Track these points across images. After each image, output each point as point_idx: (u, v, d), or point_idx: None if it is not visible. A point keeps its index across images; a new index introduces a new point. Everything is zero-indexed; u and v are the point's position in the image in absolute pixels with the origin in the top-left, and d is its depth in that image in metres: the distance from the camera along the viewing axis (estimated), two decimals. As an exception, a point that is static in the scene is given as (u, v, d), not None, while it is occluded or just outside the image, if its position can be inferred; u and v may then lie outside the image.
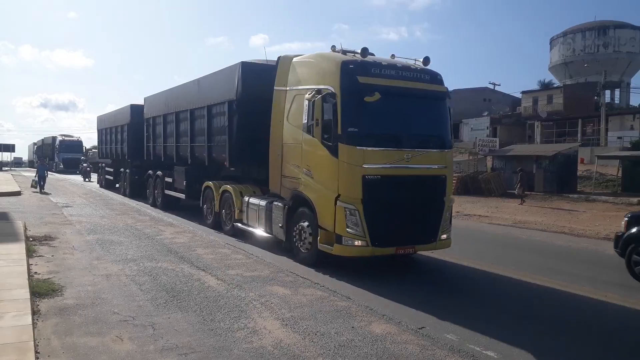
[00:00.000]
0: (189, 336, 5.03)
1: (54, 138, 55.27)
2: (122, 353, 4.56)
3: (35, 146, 73.50)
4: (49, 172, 27.08)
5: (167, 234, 11.50)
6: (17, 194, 20.99)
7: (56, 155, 52.40)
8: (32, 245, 9.33)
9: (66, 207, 16.99)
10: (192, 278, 7.40)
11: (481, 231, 13.53)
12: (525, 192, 21.50)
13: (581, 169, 26.96)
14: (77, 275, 7.39)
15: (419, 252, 9.02)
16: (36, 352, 4.40)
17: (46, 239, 10.29)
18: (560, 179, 24.07)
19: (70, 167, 49.28)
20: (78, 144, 54.25)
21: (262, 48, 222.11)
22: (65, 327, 5.18)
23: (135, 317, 5.55)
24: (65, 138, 54.37)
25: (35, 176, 24.35)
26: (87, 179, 33.88)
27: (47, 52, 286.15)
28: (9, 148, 56.41)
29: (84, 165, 36.10)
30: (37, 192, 22.57)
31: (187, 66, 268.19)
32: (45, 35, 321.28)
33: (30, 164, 75.16)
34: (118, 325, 5.30)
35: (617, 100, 57.54)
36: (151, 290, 6.70)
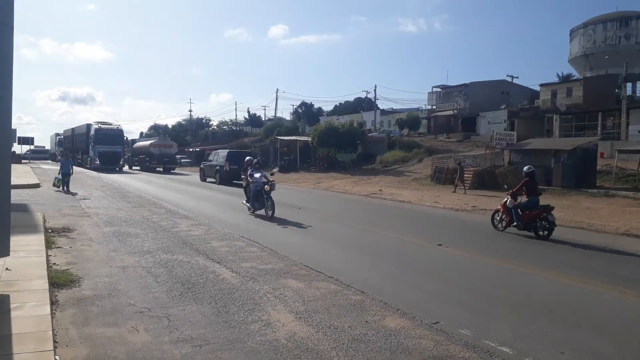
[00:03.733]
0: (204, 328, 5.08)
1: (88, 126, 44.55)
2: (138, 344, 4.62)
3: (58, 137, 64.43)
4: (73, 168, 22.61)
5: (182, 227, 11.61)
6: (36, 186, 21.37)
7: (91, 148, 42.11)
8: (51, 237, 9.50)
9: (84, 199, 17.26)
10: (207, 270, 7.46)
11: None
12: (460, 184, 24.29)
13: (601, 163, 26.45)
14: (94, 266, 7.51)
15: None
16: (54, 342, 4.48)
17: (64, 230, 10.47)
18: (579, 174, 23.66)
19: (108, 162, 40.77)
20: (118, 133, 43.45)
21: (281, 39, 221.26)
22: (83, 318, 5.27)
23: (150, 309, 5.62)
24: (102, 126, 43.63)
25: (59, 173, 20.86)
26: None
27: (67, 45, 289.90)
28: (28, 141, 54.17)
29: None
30: (60, 191, 19.65)
31: (206, 58, 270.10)
32: (65, 28, 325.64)
33: (52, 157, 66.56)
34: (134, 316, 5.37)
35: (638, 93, 56.30)
36: (167, 282, 6.77)
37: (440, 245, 10.11)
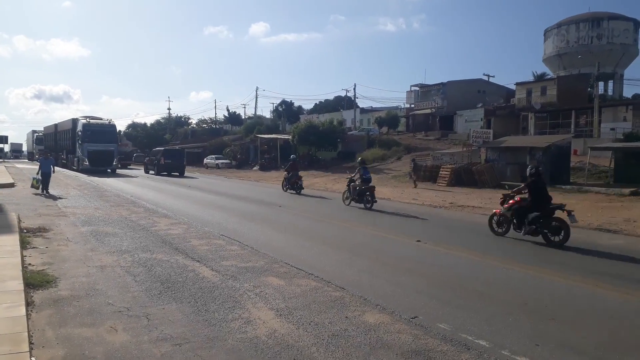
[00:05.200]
0: (184, 327, 5.06)
1: (74, 121, 38.04)
2: (117, 344, 4.59)
3: (36, 135, 60.26)
4: (54, 167, 20.24)
5: (161, 226, 11.50)
6: (11, 185, 20.87)
7: (78, 147, 36.00)
8: (26, 237, 9.32)
9: (60, 198, 16.93)
10: (187, 269, 7.42)
11: (474, 222, 13.62)
12: (415, 179, 26.91)
13: (574, 160, 27.07)
14: (71, 266, 7.40)
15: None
16: (30, 343, 4.42)
17: (40, 230, 10.28)
18: (554, 170, 24.18)
19: (100, 163, 35.05)
20: (110, 129, 37.38)
21: (261, 38, 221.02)
22: (60, 318, 5.20)
23: (129, 308, 5.57)
24: (92, 121, 37.18)
25: (38, 173, 18.83)
26: None
27: (42, 41, 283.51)
28: (2, 140, 53.05)
29: None
30: (39, 193, 18.06)
31: (186, 56, 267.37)
32: (40, 25, 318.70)
33: (30, 156, 64.08)
34: (112, 316, 5.32)
35: (610, 92, 57.77)
36: (146, 281, 6.72)
37: (419, 241, 10.23)
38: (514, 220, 10.85)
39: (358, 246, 9.79)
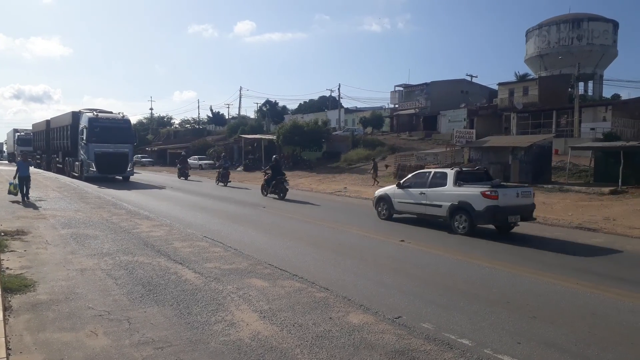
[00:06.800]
0: (166, 330, 5.00)
1: (75, 115, 28.94)
2: (97, 348, 4.51)
3: (18, 135, 53.23)
4: (30, 169, 17.95)
5: (143, 228, 11.37)
6: (-12, 187, 20.41)
7: (81, 148, 27.65)
8: (4, 240, 9.12)
9: (40, 200, 16.62)
10: (169, 272, 7.34)
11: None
12: (377, 178, 27.87)
13: (555, 159, 27.46)
14: (50, 270, 7.26)
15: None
16: (7, 349, 4.32)
17: (18, 233, 10.08)
18: (535, 170, 24.51)
19: (111, 169, 27.30)
20: (123, 125, 28.47)
21: (246, 37, 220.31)
22: (38, 323, 5.10)
23: (110, 312, 5.49)
24: (100, 114, 27.95)
25: (15, 178, 16.67)
26: None
27: (22, 40, 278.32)
28: None
29: None
30: (18, 201, 15.92)
31: (169, 55, 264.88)
32: (19, 23, 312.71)
33: (11, 158, 56.99)
34: (93, 320, 5.23)
35: (590, 92, 58.83)
36: (127, 284, 6.63)
37: (402, 241, 10.28)
38: (267, 186, 19.93)
39: (342, 246, 9.78)
